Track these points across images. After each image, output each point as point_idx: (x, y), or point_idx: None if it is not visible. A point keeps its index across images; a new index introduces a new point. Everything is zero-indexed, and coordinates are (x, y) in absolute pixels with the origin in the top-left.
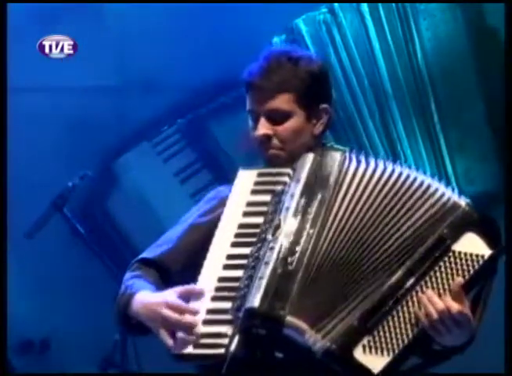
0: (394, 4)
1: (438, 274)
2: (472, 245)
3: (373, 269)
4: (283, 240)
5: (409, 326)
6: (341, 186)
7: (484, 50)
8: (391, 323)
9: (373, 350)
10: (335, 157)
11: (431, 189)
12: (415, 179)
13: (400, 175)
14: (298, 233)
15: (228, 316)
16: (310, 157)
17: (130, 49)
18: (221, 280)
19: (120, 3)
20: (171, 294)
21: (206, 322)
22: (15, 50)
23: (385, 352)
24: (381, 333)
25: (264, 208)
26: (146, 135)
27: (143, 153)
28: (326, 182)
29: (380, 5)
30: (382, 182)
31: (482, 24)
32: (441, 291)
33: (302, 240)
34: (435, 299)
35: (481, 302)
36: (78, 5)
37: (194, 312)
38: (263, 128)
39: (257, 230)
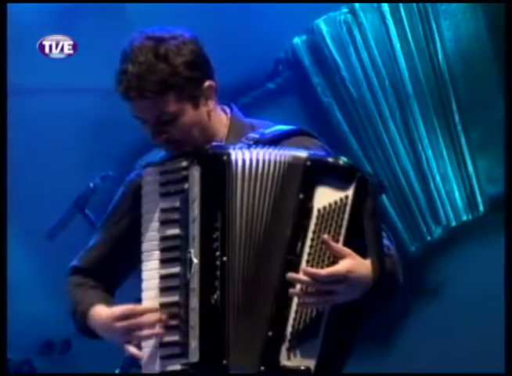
0: (415, 4)
1: (314, 244)
2: (331, 193)
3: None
4: (200, 279)
5: (310, 312)
6: (232, 197)
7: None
8: (296, 317)
9: (297, 351)
10: (220, 164)
11: (276, 162)
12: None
13: (263, 164)
14: (212, 266)
15: (180, 350)
16: (197, 174)
17: None
18: (162, 306)
19: (137, 3)
20: (117, 309)
21: (162, 358)
22: (14, 50)
23: (309, 346)
24: (293, 331)
25: (177, 216)
26: None
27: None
28: (220, 197)
29: (401, 5)
30: (261, 178)
31: (503, 24)
32: (327, 257)
33: (218, 273)
34: (296, 277)
35: (371, 241)
36: (94, 4)
37: (148, 310)
38: (156, 133)
39: (178, 242)
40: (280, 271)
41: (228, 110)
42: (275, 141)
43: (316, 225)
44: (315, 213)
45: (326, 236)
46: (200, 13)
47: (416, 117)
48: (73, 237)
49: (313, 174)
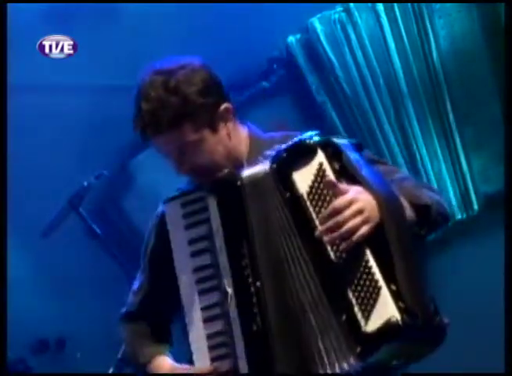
0: (409, 3)
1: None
2: (307, 171)
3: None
4: (238, 308)
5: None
6: (250, 220)
7: (499, 49)
8: (355, 290)
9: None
10: (234, 190)
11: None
12: None
13: None
14: (247, 293)
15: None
16: (214, 203)
17: (145, 49)
18: (209, 337)
19: (135, 3)
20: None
21: None
22: (15, 50)
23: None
24: (358, 303)
25: (204, 244)
26: None
27: (159, 153)
28: (241, 222)
29: (395, 4)
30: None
31: (498, 23)
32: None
33: (254, 300)
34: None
35: (363, 178)
36: (92, 5)
37: None
38: (180, 165)
39: (211, 271)
40: (311, 266)
41: (246, 130)
42: None
43: (312, 201)
44: (305, 196)
45: (328, 179)
46: (195, 13)
47: (411, 116)
48: (68, 237)
49: (282, 169)
